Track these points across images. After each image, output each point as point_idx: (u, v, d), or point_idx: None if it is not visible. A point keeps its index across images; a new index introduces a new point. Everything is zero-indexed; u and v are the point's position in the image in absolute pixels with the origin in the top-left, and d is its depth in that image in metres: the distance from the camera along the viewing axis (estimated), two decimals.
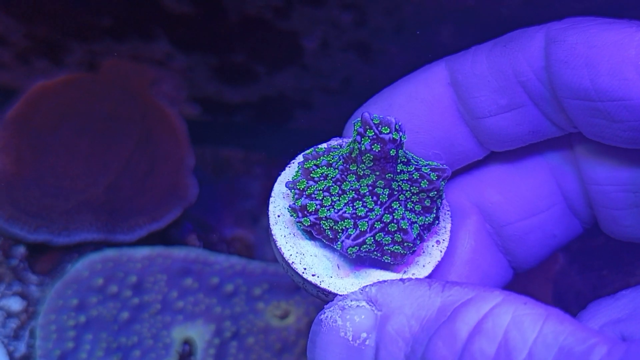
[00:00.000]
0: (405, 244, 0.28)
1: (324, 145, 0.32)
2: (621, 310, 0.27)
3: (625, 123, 0.27)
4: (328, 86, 0.60)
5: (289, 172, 0.31)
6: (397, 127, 0.27)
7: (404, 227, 0.28)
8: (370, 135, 0.27)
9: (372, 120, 0.27)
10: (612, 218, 0.32)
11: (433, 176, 0.28)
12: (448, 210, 0.31)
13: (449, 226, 0.31)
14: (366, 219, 0.28)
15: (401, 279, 0.26)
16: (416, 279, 0.26)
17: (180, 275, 0.48)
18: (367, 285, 0.26)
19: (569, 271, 0.64)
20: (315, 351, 0.26)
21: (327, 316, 0.26)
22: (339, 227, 0.28)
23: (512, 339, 0.22)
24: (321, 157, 0.30)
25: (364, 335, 0.25)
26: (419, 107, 0.32)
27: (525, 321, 0.23)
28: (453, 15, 0.53)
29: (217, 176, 0.62)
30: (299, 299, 0.48)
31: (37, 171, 0.51)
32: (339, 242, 0.28)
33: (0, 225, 0.49)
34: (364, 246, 0.28)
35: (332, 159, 0.29)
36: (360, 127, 0.27)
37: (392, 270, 0.29)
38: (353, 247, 0.27)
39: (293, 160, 0.32)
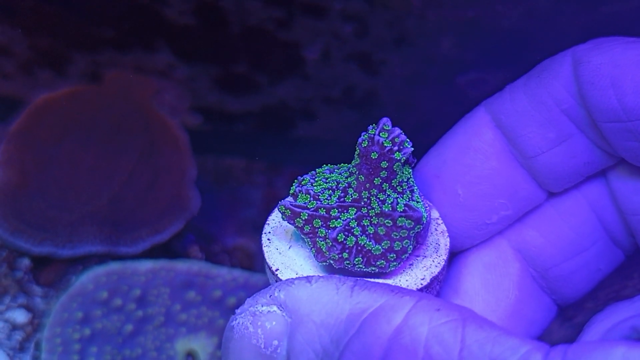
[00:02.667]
0: (327, 242, 0.27)
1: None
2: (635, 310, 0.27)
3: None
4: (329, 96, 0.60)
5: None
6: (396, 140, 0.27)
7: (337, 225, 0.27)
8: (369, 133, 0.28)
9: (384, 125, 0.28)
10: None
11: (400, 207, 0.27)
12: (435, 277, 0.29)
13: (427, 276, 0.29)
14: (317, 202, 0.28)
15: (308, 278, 0.25)
16: (324, 277, 0.25)
17: (183, 288, 0.48)
18: (274, 287, 0.25)
19: None
20: (228, 358, 0.25)
21: (238, 322, 0.25)
22: (299, 200, 0.28)
23: (436, 356, 0.21)
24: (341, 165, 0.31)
25: (275, 342, 0.24)
26: (474, 157, 0.31)
27: (444, 332, 0.21)
28: (454, 27, 0.53)
29: (218, 185, 0.62)
30: None
31: (41, 184, 0.51)
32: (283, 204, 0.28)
33: (5, 238, 0.49)
34: (298, 220, 0.28)
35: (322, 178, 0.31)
36: (370, 126, 0.28)
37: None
38: (287, 209, 0.28)
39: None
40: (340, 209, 0.28)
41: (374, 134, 0.28)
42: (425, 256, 0.29)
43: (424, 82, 0.58)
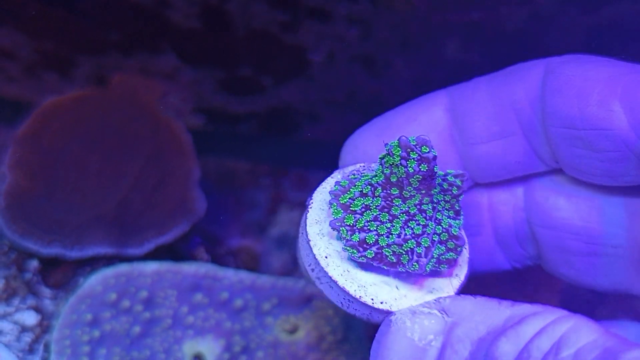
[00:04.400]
0: (458, 249, 0.29)
1: (338, 176, 0.33)
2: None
3: (603, 153, 0.29)
4: (334, 98, 0.61)
5: (314, 214, 0.32)
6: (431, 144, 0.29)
7: (454, 233, 0.29)
8: (414, 157, 0.28)
9: (410, 141, 0.28)
10: (565, 261, 0.34)
11: (459, 182, 0.30)
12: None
13: (463, 231, 0.32)
14: (425, 235, 0.29)
15: (473, 295, 0.28)
16: (484, 297, 0.28)
17: (190, 291, 0.49)
18: (441, 297, 0.28)
19: None
20: (379, 349, 0.27)
21: (397, 318, 0.27)
22: (402, 249, 0.29)
23: (565, 338, 0.24)
24: (351, 190, 0.30)
25: (431, 337, 0.26)
26: (416, 129, 0.33)
27: (583, 329, 0.24)
28: (458, 29, 0.53)
29: (223, 187, 0.62)
30: (308, 313, 0.49)
31: (49, 187, 0.52)
32: (413, 263, 0.29)
33: (13, 240, 0.49)
34: (432, 260, 0.29)
35: (362, 188, 0.30)
36: (403, 152, 0.28)
37: (442, 277, 0.30)
38: (428, 263, 0.29)
39: (311, 200, 0.32)
40: (437, 223, 0.30)
41: (420, 155, 0.28)
42: None
43: (429, 84, 0.58)
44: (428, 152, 0.28)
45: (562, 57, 0.32)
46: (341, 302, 0.31)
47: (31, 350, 0.48)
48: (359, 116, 0.63)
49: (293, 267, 0.59)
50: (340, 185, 0.31)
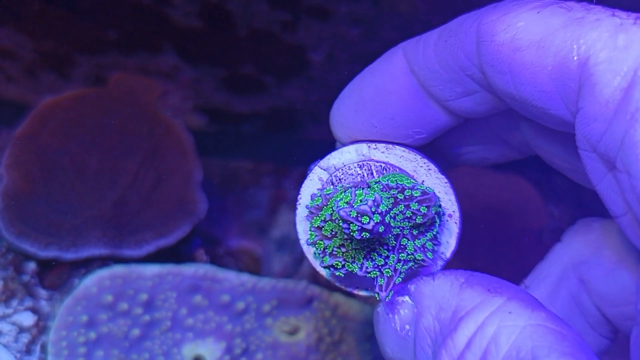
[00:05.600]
0: (425, 265, 0.31)
1: (321, 173, 0.34)
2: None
3: (547, 122, 0.29)
4: (334, 98, 0.60)
5: (302, 210, 0.33)
6: (373, 210, 0.29)
7: (419, 258, 0.31)
8: (355, 228, 0.29)
9: (350, 214, 0.29)
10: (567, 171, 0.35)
11: (423, 209, 0.30)
12: (446, 183, 0.33)
13: (453, 197, 0.33)
14: (387, 267, 0.31)
15: (432, 275, 0.30)
16: (442, 274, 0.30)
17: (189, 292, 0.48)
18: (409, 282, 0.31)
19: None
20: (378, 336, 0.31)
21: (381, 309, 0.31)
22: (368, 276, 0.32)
23: (489, 353, 0.25)
24: (322, 212, 0.31)
25: (407, 327, 0.30)
26: (389, 97, 0.33)
27: (502, 334, 0.25)
28: None
29: (224, 188, 0.62)
30: (308, 315, 0.49)
31: (47, 188, 0.51)
32: (375, 293, 0.31)
33: (11, 242, 0.49)
34: (394, 284, 0.31)
35: (332, 211, 0.31)
36: (344, 224, 0.29)
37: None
38: (388, 295, 0.31)
39: (299, 196, 0.34)
40: (400, 251, 0.31)
41: (361, 226, 0.28)
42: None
43: None
44: (367, 222, 0.28)
45: (494, 11, 0.29)
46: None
47: (28, 351, 0.47)
48: None
49: (294, 270, 0.58)
50: (315, 204, 0.32)
